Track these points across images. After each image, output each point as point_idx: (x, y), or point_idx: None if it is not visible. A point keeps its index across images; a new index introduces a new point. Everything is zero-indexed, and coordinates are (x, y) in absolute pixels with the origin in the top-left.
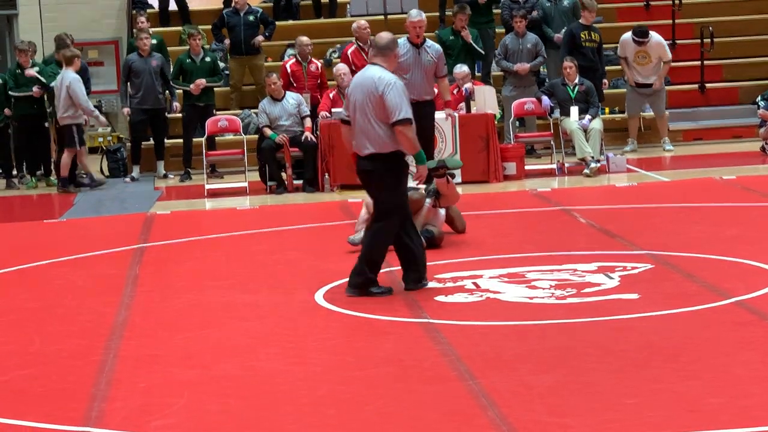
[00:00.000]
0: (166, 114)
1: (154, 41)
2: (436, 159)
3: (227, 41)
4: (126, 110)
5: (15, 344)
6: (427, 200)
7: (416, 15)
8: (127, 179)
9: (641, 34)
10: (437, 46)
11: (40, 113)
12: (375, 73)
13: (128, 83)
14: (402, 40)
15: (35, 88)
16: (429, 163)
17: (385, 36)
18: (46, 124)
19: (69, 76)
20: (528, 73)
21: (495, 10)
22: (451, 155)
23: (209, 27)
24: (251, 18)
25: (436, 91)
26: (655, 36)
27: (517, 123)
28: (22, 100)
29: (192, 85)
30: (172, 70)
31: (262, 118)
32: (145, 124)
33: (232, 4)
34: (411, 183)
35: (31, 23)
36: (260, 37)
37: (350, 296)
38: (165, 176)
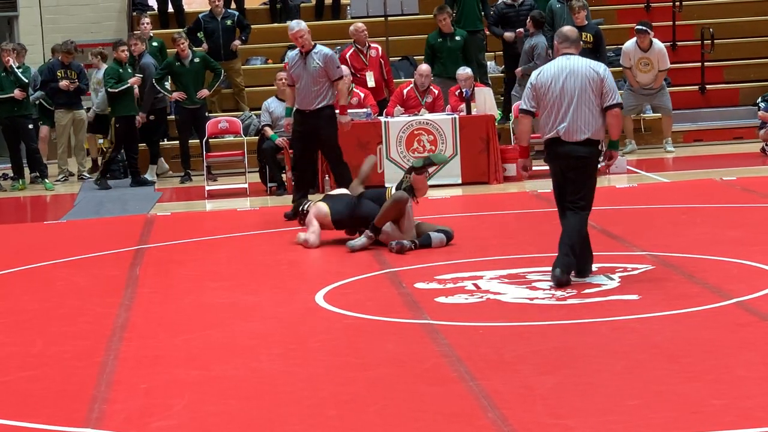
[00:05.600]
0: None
1: (155, 44)
2: (422, 157)
3: (204, 45)
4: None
5: (17, 345)
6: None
7: (295, 26)
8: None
9: (645, 25)
10: (326, 50)
11: (23, 114)
12: (583, 60)
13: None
14: (294, 52)
15: (17, 91)
16: (415, 162)
17: (571, 28)
18: (30, 126)
19: None
20: (523, 74)
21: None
22: (441, 152)
23: None
24: (228, 23)
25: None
26: (657, 43)
27: None
28: (6, 102)
29: (175, 93)
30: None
31: (264, 117)
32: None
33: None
34: (337, 191)
35: (32, 25)
36: (237, 42)
37: (558, 279)
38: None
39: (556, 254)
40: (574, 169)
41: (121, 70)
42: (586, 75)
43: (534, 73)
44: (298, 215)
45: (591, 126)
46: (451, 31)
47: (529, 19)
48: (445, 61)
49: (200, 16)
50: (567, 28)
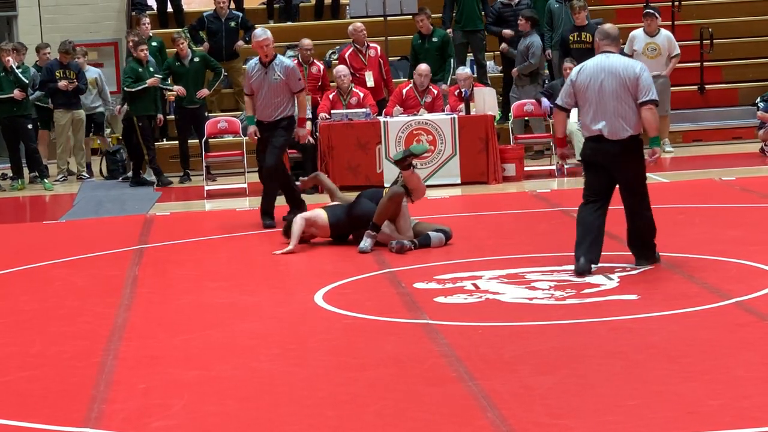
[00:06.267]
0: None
1: (154, 44)
2: (402, 150)
3: (206, 44)
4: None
5: (16, 346)
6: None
7: (261, 34)
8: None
9: (653, 9)
10: (287, 62)
11: (23, 114)
12: (621, 59)
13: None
14: (254, 61)
15: (16, 91)
16: (395, 155)
17: (613, 26)
18: (30, 126)
19: None
20: (519, 74)
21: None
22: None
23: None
24: (232, 24)
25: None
26: (664, 30)
27: (526, 124)
28: (5, 102)
29: (175, 87)
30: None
31: None
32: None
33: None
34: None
35: (31, 25)
36: (240, 42)
37: (642, 267)
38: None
39: (556, 254)
40: (621, 167)
41: (140, 69)
42: (623, 74)
43: (574, 71)
44: (288, 230)
45: (631, 122)
46: (429, 32)
47: (521, 19)
48: (422, 61)
49: (204, 14)
50: (608, 26)
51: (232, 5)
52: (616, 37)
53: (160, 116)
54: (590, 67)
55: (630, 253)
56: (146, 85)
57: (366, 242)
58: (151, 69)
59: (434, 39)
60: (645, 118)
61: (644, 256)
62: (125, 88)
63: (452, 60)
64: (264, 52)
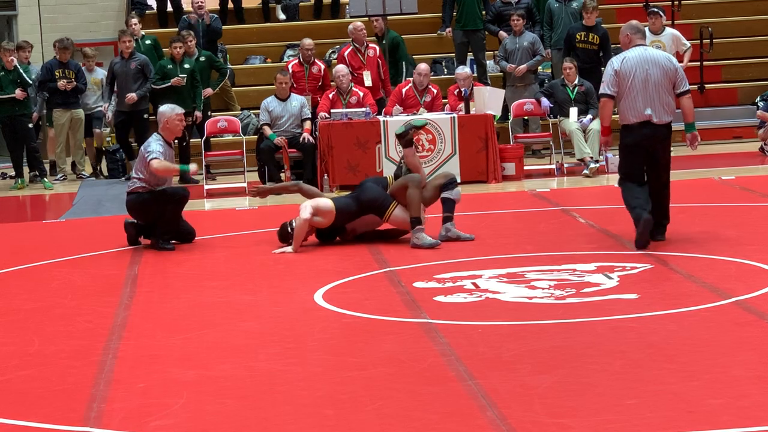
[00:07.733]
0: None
1: (148, 42)
2: (403, 125)
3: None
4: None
5: (15, 345)
6: None
7: (171, 111)
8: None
9: (657, 7)
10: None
11: (24, 114)
12: (659, 52)
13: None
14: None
15: (18, 91)
16: (397, 130)
17: (638, 22)
18: (30, 125)
19: None
20: (525, 72)
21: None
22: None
23: None
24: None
25: None
26: (669, 29)
27: (524, 123)
28: (6, 102)
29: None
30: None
31: (263, 116)
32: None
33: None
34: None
35: (31, 24)
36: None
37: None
38: None
39: (555, 254)
40: (663, 149)
41: (169, 67)
42: (664, 65)
43: (616, 61)
44: (288, 237)
45: (671, 109)
46: (381, 33)
47: (518, 18)
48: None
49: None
50: (635, 22)
51: (230, 5)
52: (644, 32)
53: (197, 113)
54: (633, 57)
55: (629, 252)
56: (169, 84)
57: (424, 238)
58: (186, 66)
59: (384, 42)
60: (685, 106)
61: (661, 233)
62: (152, 86)
63: (404, 63)
64: (180, 129)
